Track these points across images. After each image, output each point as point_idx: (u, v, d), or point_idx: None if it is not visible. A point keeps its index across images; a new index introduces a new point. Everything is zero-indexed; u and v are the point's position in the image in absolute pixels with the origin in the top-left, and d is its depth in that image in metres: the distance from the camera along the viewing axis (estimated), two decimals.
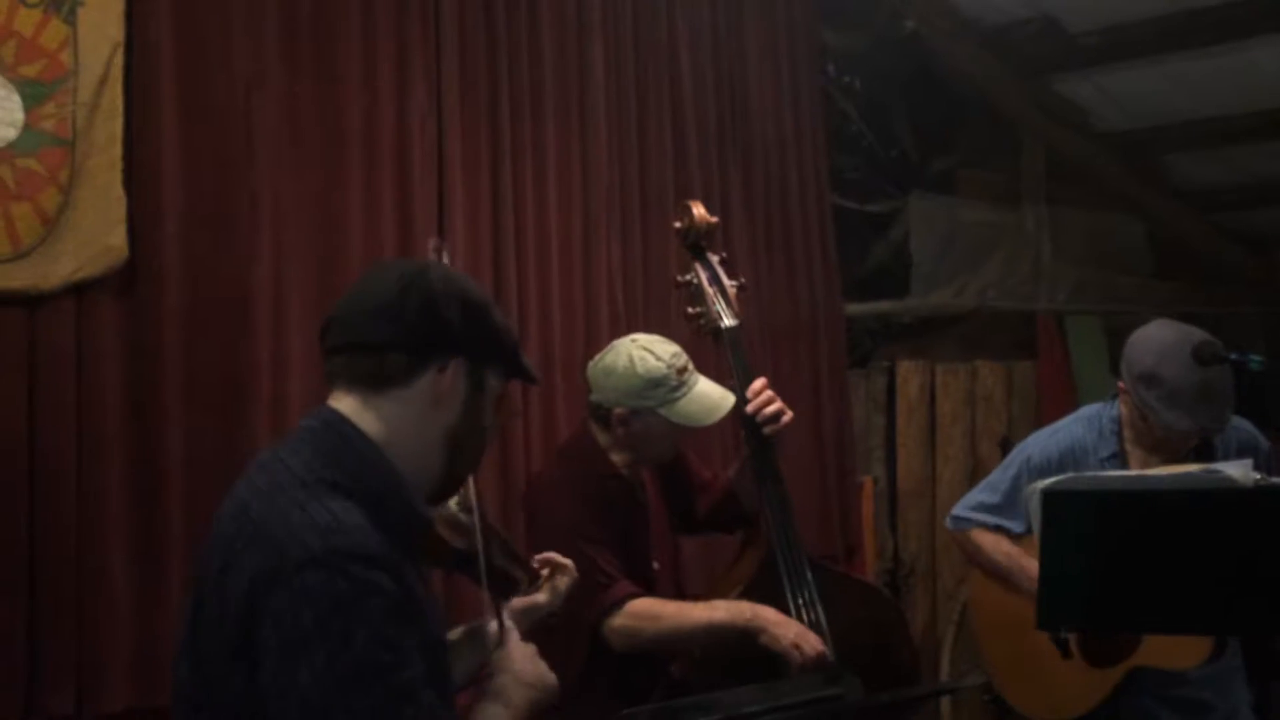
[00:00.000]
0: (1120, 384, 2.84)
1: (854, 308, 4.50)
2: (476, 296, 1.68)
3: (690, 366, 2.63)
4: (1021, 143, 5.14)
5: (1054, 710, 2.98)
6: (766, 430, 2.65)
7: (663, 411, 2.57)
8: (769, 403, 2.65)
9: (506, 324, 1.73)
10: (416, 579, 1.54)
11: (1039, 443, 3.03)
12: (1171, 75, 4.52)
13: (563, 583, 2.00)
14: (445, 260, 1.81)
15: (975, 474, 4.48)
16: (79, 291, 2.69)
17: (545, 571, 1.99)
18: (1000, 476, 3.08)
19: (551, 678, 1.74)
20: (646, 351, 2.60)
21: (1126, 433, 2.90)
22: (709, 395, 2.62)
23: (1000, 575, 3.00)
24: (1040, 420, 3.59)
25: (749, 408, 2.65)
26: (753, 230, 4.06)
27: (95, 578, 2.68)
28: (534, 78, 3.50)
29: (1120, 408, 2.90)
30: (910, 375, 4.70)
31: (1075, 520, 1.98)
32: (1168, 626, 2.27)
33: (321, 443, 1.57)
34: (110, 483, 2.72)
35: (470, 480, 1.77)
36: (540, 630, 1.92)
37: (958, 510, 3.14)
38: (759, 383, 2.67)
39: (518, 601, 1.91)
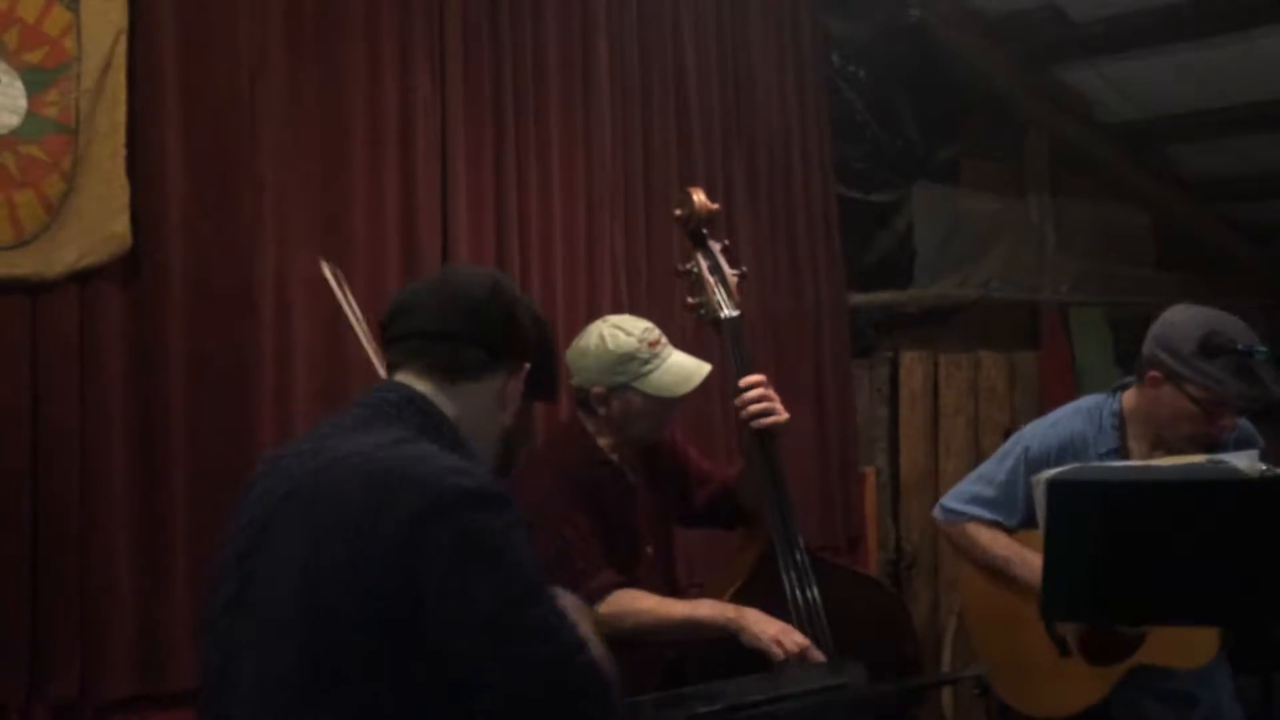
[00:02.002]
0: (1153, 374, 2.71)
1: (857, 298, 4.49)
2: (541, 314, 1.83)
3: (663, 340, 2.64)
4: (1026, 133, 5.13)
5: (1050, 707, 2.95)
6: (754, 425, 2.60)
7: (637, 385, 2.59)
8: (757, 400, 2.61)
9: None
10: None
11: (1037, 434, 2.96)
12: (1177, 65, 4.51)
13: None
14: (341, 283, 1.95)
15: (978, 465, 4.45)
16: (82, 279, 2.69)
17: None
18: (995, 469, 3.00)
19: None
20: (617, 328, 2.63)
21: (1131, 428, 2.85)
22: (683, 366, 2.63)
23: (998, 569, 2.93)
24: (1043, 411, 3.57)
25: (736, 402, 2.62)
26: (756, 220, 4.05)
27: (98, 565, 2.68)
28: (537, 65, 3.49)
29: (1124, 402, 2.85)
30: (913, 366, 4.69)
31: (1080, 511, 1.97)
32: (1173, 617, 2.26)
33: (407, 413, 1.67)
34: (113, 470, 2.71)
35: None
36: None
37: (950, 502, 3.05)
38: (752, 379, 2.62)
39: None
